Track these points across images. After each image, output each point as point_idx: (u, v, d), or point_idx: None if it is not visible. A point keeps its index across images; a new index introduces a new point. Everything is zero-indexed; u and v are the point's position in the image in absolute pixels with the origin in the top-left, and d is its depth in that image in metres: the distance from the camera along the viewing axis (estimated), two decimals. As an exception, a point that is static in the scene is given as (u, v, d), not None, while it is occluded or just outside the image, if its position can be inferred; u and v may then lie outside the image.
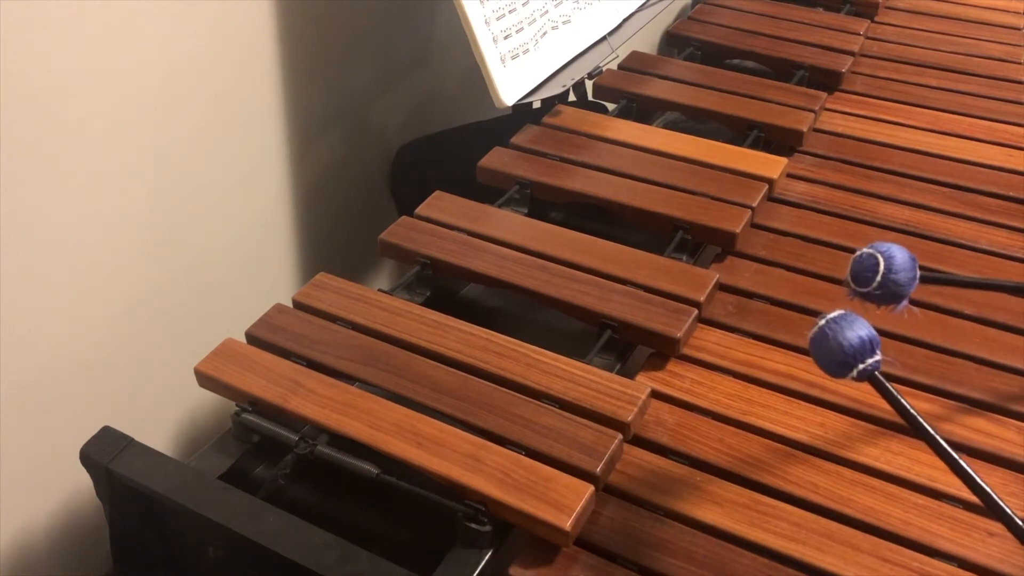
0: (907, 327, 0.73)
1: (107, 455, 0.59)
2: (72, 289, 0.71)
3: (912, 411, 0.50)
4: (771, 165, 0.90)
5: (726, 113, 1.00)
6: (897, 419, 0.64)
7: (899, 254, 0.54)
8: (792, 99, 1.02)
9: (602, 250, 0.78)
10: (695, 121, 1.05)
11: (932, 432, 0.49)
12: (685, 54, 1.18)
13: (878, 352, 0.50)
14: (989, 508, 0.47)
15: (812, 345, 0.51)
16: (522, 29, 0.89)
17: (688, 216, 0.82)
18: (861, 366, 0.50)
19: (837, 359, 0.50)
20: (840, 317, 0.51)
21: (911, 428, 0.50)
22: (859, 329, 0.50)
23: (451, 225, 0.80)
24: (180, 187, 0.78)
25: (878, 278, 0.55)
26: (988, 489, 0.47)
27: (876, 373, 0.50)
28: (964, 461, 0.48)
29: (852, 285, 0.56)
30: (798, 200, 0.89)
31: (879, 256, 0.55)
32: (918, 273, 0.56)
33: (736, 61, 1.18)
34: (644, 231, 0.84)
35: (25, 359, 0.68)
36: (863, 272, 0.55)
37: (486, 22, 0.85)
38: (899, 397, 0.50)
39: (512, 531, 0.57)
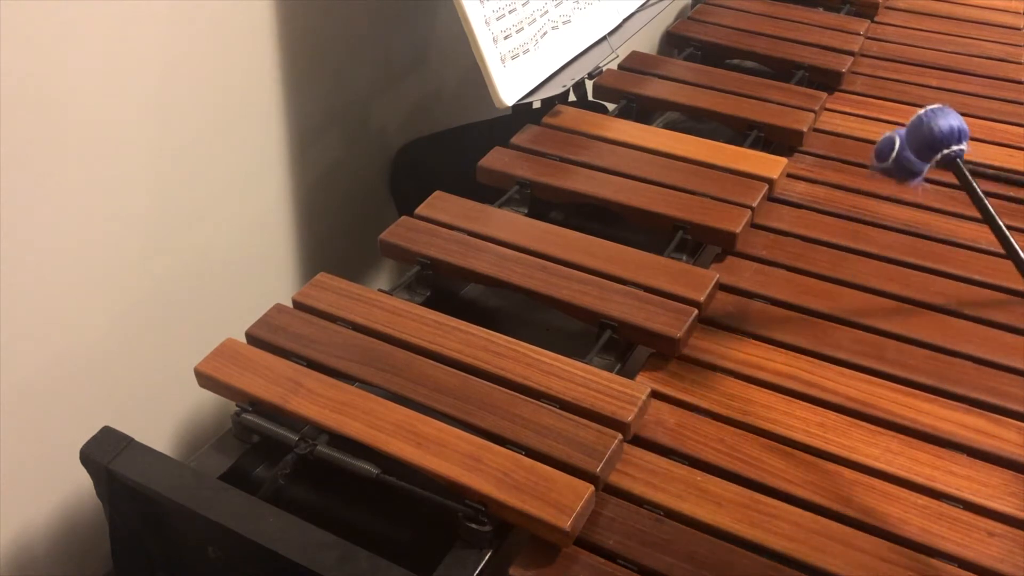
0: (907, 327, 0.73)
1: (107, 455, 0.59)
2: (72, 289, 0.71)
3: (984, 200, 0.58)
4: (771, 165, 0.90)
5: (726, 113, 1.00)
6: (896, 419, 0.65)
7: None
8: (792, 99, 1.02)
9: (602, 250, 0.78)
10: (695, 121, 1.05)
11: (1000, 222, 0.58)
12: (685, 54, 1.18)
13: (965, 143, 0.58)
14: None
15: (907, 130, 0.60)
16: (522, 29, 0.89)
17: (688, 216, 0.82)
18: (946, 151, 0.58)
19: (927, 142, 0.59)
20: (936, 108, 0.59)
21: (982, 216, 0.59)
22: (952, 119, 0.58)
23: (451, 225, 0.80)
24: (180, 187, 0.78)
25: (893, 154, 0.63)
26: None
27: (958, 160, 0.58)
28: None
29: (874, 161, 0.65)
30: (798, 200, 0.89)
31: (896, 137, 0.63)
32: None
33: (736, 61, 1.18)
34: (644, 231, 0.84)
35: (25, 359, 0.68)
36: (883, 150, 0.64)
37: (486, 22, 0.85)
38: (975, 185, 0.59)
39: (512, 531, 0.57)
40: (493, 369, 0.66)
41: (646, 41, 1.41)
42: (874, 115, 1.03)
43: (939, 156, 0.59)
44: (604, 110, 1.07)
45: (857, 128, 1.00)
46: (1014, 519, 0.58)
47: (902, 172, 0.64)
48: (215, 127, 0.79)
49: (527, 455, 0.59)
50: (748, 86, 1.04)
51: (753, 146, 0.95)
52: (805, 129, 0.97)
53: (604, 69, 1.02)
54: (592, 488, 0.56)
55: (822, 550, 0.56)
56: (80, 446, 0.60)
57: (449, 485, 0.57)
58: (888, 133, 0.65)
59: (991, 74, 1.12)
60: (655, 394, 0.67)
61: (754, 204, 0.84)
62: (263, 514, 0.56)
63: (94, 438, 0.61)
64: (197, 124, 0.77)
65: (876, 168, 0.65)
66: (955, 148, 0.58)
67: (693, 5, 1.29)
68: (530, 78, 0.90)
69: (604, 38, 1.01)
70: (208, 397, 0.67)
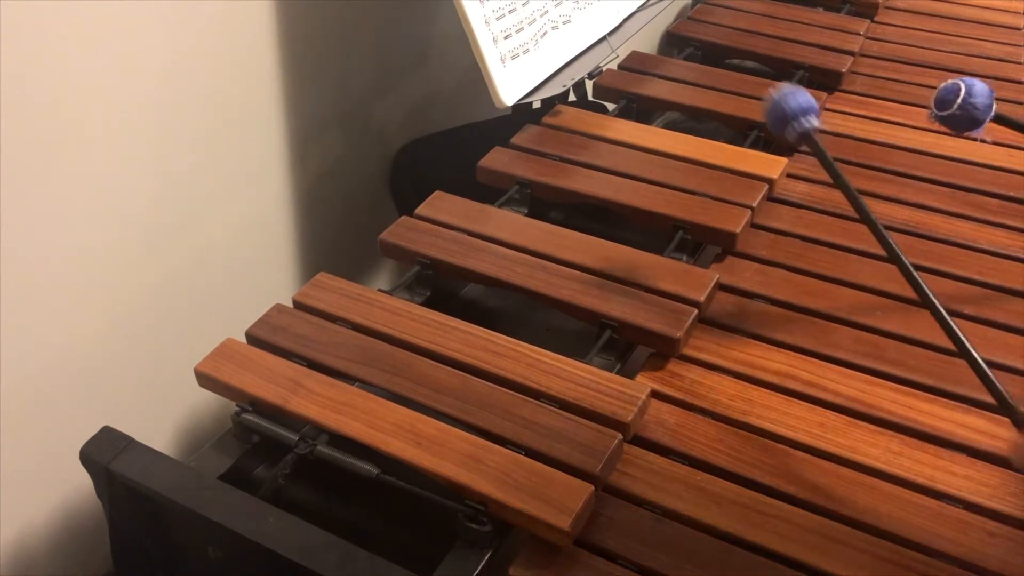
0: (907, 327, 0.73)
1: (107, 455, 0.59)
2: (72, 289, 0.71)
3: (840, 174, 0.63)
4: (771, 165, 0.90)
5: (726, 113, 1.00)
6: (896, 419, 0.65)
7: (979, 84, 0.66)
8: (792, 99, 1.01)
9: (602, 250, 0.78)
10: (695, 121, 1.05)
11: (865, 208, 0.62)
12: (685, 54, 1.18)
13: (815, 119, 0.62)
14: (956, 346, 0.58)
15: (766, 110, 0.64)
16: (522, 29, 0.89)
17: (688, 216, 0.82)
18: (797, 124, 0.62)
19: (779, 116, 0.62)
20: (788, 89, 0.63)
21: (846, 198, 0.63)
22: (801, 97, 0.62)
23: (451, 225, 0.80)
24: (180, 187, 0.78)
25: (958, 101, 0.65)
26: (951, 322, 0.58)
27: (812, 134, 0.63)
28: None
29: (934, 110, 0.67)
30: (798, 200, 0.89)
31: (960, 84, 0.66)
32: (994, 103, 0.67)
33: (736, 61, 1.18)
34: (644, 231, 0.84)
35: (25, 359, 0.68)
36: (946, 96, 0.66)
37: (486, 22, 0.85)
38: (828, 157, 0.63)
39: (512, 531, 0.57)
40: (493, 369, 0.66)
41: (646, 41, 1.41)
42: (874, 115, 1.03)
43: (792, 129, 0.63)
44: (604, 110, 1.07)
45: (857, 128, 1.00)
46: (1014, 519, 0.58)
47: (964, 121, 0.66)
48: (215, 127, 0.79)
49: (527, 455, 0.59)
50: (748, 86, 1.04)
51: (753, 146, 0.95)
52: (805, 129, 0.96)
53: (604, 69, 1.02)
54: (592, 488, 0.56)
55: (822, 550, 0.56)
56: (80, 446, 0.60)
57: (449, 485, 0.57)
58: (951, 81, 0.66)
59: (991, 74, 1.12)
60: (655, 394, 0.67)
61: (754, 204, 0.84)
62: (263, 514, 0.56)
63: (94, 438, 0.61)
64: (197, 124, 0.77)
65: (936, 117, 0.67)
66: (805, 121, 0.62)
67: (693, 5, 1.29)
68: (530, 78, 0.90)
69: (604, 38, 1.01)
70: (208, 397, 0.67)
